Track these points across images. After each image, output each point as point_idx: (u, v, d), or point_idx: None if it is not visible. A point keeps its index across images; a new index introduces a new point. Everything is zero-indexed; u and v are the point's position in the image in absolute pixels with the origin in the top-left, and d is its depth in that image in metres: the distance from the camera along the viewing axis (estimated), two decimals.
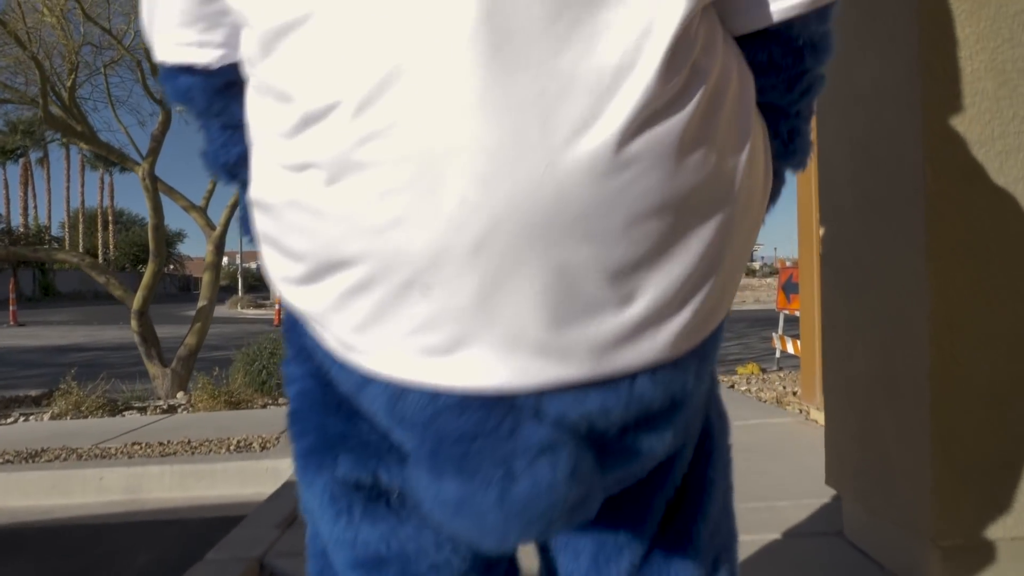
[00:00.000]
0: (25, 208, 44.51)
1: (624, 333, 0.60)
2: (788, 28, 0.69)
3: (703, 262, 0.62)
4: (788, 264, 8.96)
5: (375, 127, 0.57)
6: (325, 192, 0.60)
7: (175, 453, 3.44)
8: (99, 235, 47.39)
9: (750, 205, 0.68)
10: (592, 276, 0.58)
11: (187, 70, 0.75)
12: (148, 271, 5.75)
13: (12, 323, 17.10)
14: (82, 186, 48.49)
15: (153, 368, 5.85)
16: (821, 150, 1.89)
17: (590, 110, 0.57)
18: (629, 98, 0.57)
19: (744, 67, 0.70)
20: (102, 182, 49.27)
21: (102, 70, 6.12)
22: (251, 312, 24.05)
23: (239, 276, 35.43)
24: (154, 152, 5.36)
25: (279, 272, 0.68)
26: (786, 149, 0.77)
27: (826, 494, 2.10)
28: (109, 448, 3.63)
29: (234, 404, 5.08)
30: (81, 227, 46.73)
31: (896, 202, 1.55)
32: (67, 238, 44.72)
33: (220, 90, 0.76)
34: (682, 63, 0.60)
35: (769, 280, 56.95)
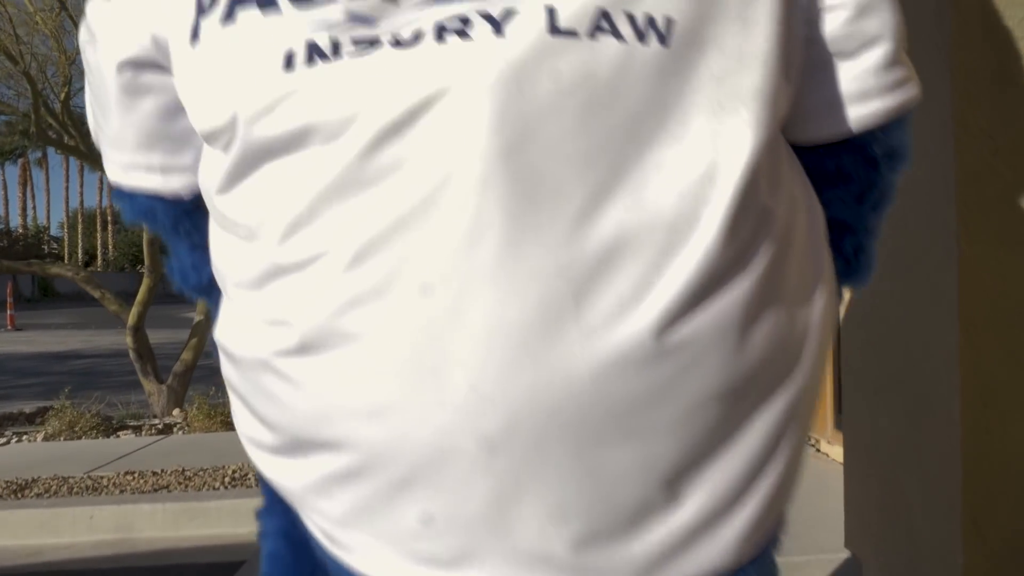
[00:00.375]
0: (24, 209, 44.43)
1: (674, 544, 0.49)
2: (864, 135, 0.59)
3: (770, 442, 0.51)
4: None
5: (365, 288, 0.46)
6: (300, 361, 0.49)
7: (168, 486, 3.35)
8: (98, 235, 47.28)
9: (822, 354, 0.57)
10: (633, 480, 0.47)
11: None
12: (143, 287, 5.67)
13: (10, 327, 17.01)
14: (81, 186, 48.35)
15: (149, 385, 5.76)
16: None
17: (639, 280, 0.46)
18: (686, 264, 0.46)
19: (808, 188, 0.59)
20: (101, 182, 49.01)
21: None
22: None
23: None
24: None
25: (247, 431, 0.58)
26: (848, 267, 0.65)
27: (844, 549, 2.02)
28: (101, 479, 3.54)
29: (230, 424, 4.98)
30: (80, 227, 46.61)
31: (927, 266, 1.46)
32: (66, 238, 44.64)
33: (189, 211, 0.64)
34: (750, 210, 0.49)
35: None
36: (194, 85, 0.54)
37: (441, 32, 0.47)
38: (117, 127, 0.61)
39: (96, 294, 5.99)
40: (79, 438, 4.92)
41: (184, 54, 0.54)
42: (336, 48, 0.48)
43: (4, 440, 4.90)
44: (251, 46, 0.50)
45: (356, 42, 0.48)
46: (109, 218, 48.20)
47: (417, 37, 0.48)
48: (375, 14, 0.49)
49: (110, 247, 46.77)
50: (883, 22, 0.57)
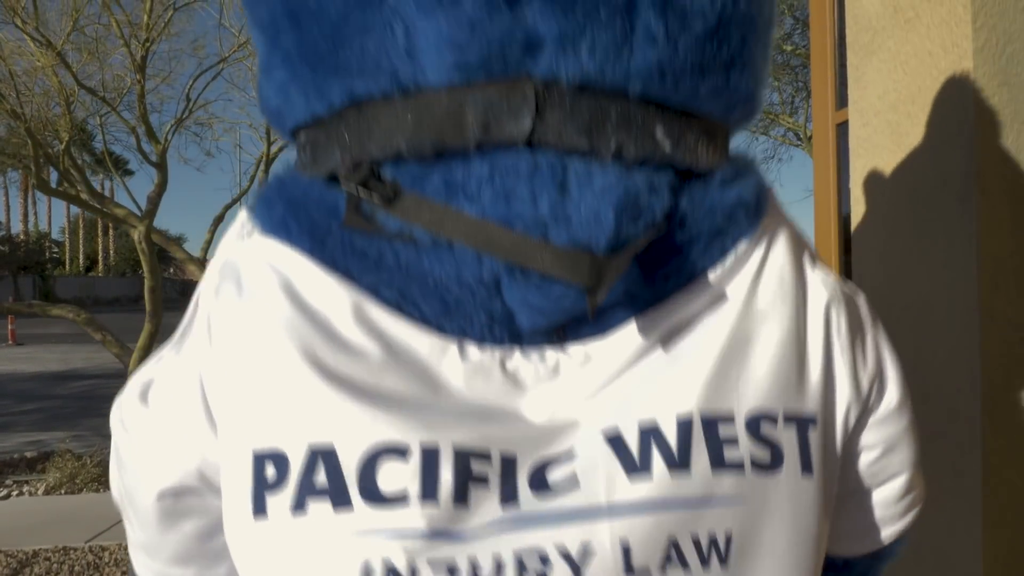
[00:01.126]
0: (25, 215, 44.40)
1: None
2: None
3: None
4: None
5: None
6: None
7: None
8: (99, 240, 47.30)
9: None
10: None
11: None
12: (144, 333, 5.63)
13: (11, 341, 16.97)
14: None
15: None
16: None
17: None
18: None
19: None
20: (102, 187, 49.15)
21: (99, 121, 6.00)
22: None
23: None
24: (150, 215, 5.24)
25: None
26: None
27: None
28: (103, 552, 3.52)
29: None
30: (81, 232, 46.63)
31: (951, 453, 1.43)
32: (67, 243, 44.63)
33: None
34: None
35: None
36: (258, 563, 0.51)
37: (522, 571, 0.47)
38: (152, 539, 0.58)
39: (97, 336, 5.94)
40: (80, 490, 4.91)
41: (245, 522, 0.50)
42: (413, 574, 0.47)
43: (4, 492, 4.87)
44: (325, 551, 0.48)
45: (434, 567, 0.47)
46: (110, 223, 48.19)
47: (498, 571, 0.47)
48: (449, 526, 0.47)
49: (111, 252, 46.77)
50: (905, 457, 0.60)
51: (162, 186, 5.21)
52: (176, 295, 49.62)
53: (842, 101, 2.30)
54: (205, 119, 7.17)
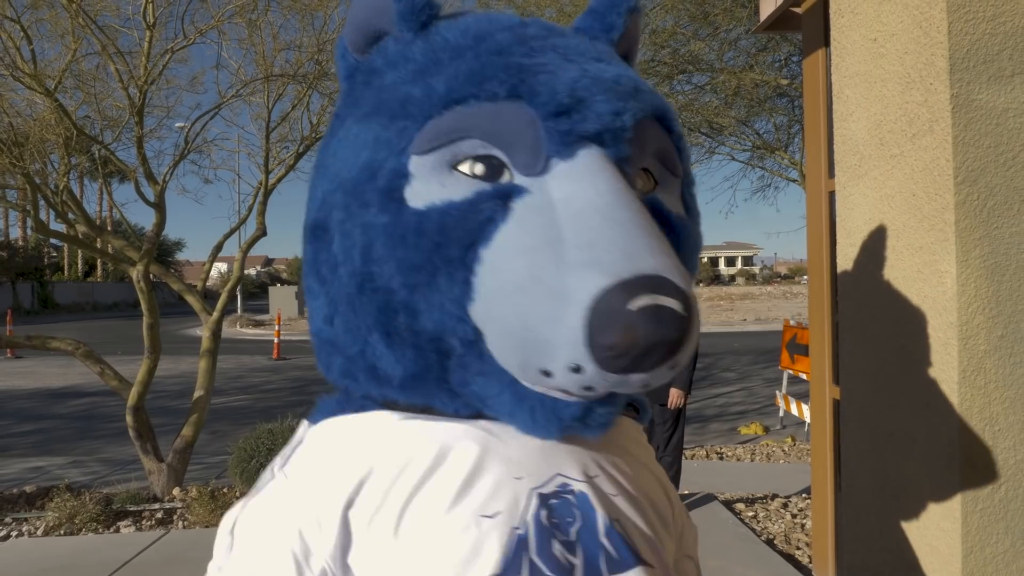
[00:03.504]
0: (24, 220, 44.35)
1: None
2: None
3: None
4: (792, 323, 8.88)
5: None
6: None
7: None
8: (98, 245, 47.19)
9: None
10: None
11: None
12: (143, 368, 5.65)
13: (9, 355, 16.92)
14: (81, 196, 48.17)
15: (149, 463, 5.74)
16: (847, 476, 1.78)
17: None
18: None
19: None
20: (100, 193, 49.10)
21: (97, 155, 6.01)
22: (250, 332, 23.92)
23: (238, 292, 34.80)
24: (148, 254, 5.26)
25: None
26: None
27: None
28: None
29: None
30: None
31: None
32: (66, 249, 44.60)
33: None
34: None
35: (769, 289, 56.31)
36: None
37: None
38: None
39: (96, 369, 5.96)
40: (80, 530, 4.92)
41: None
42: None
43: (4, 532, 4.88)
44: None
45: None
46: (108, 228, 48.04)
47: None
48: None
49: None
50: None
51: (160, 226, 5.23)
52: (175, 300, 49.66)
53: (834, 171, 2.32)
54: (204, 146, 7.18)
